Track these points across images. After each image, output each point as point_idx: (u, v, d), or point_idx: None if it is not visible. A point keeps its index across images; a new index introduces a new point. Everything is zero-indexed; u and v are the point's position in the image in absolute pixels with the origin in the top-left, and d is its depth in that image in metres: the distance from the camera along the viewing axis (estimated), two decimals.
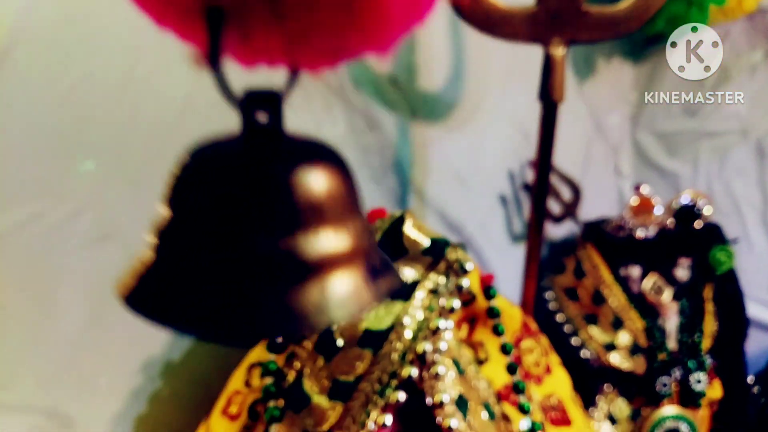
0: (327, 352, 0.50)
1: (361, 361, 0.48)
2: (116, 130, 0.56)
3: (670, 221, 0.79)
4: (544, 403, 0.59)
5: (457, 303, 0.51)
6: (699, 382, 0.80)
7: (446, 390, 0.48)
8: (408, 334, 0.48)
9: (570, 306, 0.82)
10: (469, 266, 0.52)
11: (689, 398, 0.81)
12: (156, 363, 0.63)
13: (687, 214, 0.79)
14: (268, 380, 0.50)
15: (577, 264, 0.81)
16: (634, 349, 0.81)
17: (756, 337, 0.86)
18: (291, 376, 0.50)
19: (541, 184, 0.69)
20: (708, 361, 0.80)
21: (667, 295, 0.81)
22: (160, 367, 0.63)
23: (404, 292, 0.50)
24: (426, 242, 0.53)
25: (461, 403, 0.49)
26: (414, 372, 0.48)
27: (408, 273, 0.52)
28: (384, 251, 0.29)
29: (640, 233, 0.78)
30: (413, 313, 0.50)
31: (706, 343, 0.81)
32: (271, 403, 0.50)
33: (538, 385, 0.60)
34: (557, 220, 0.85)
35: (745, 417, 0.80)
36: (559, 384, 0.61)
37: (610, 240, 0.80)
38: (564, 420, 0.60)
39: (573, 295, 0.81)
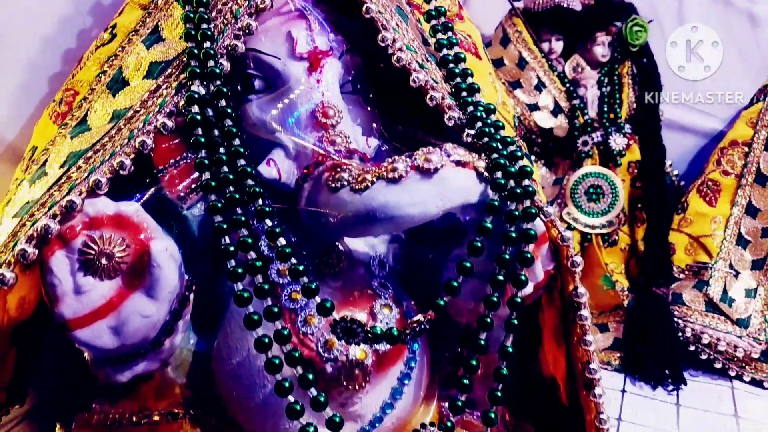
0: None
1: None
2: None
3: None
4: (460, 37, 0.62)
5: None
6: (617, 142, 0.83)
7: None
8: None
9: (496, 73, 0.86)
10: None
11: (609, 159, 0.84)
12: None
13: None
14: None
15: (503, 33, 0.87)
16: (556, 110, 0.84)
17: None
18: None
19: None
20: (626, 126, 0.84)
21: (588, 72, 0.86)
22: None
23: None
24: None
25: None
26: None
27: None
28: None
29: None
30: None
31: (624, 112, 0.85)
32: None
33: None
34: None
35: (662, 174, 0.82)
36: (471, 31, 0.65)
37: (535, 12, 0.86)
38: (477, 55, 0.63)
39: (500, 63, 0.86)
